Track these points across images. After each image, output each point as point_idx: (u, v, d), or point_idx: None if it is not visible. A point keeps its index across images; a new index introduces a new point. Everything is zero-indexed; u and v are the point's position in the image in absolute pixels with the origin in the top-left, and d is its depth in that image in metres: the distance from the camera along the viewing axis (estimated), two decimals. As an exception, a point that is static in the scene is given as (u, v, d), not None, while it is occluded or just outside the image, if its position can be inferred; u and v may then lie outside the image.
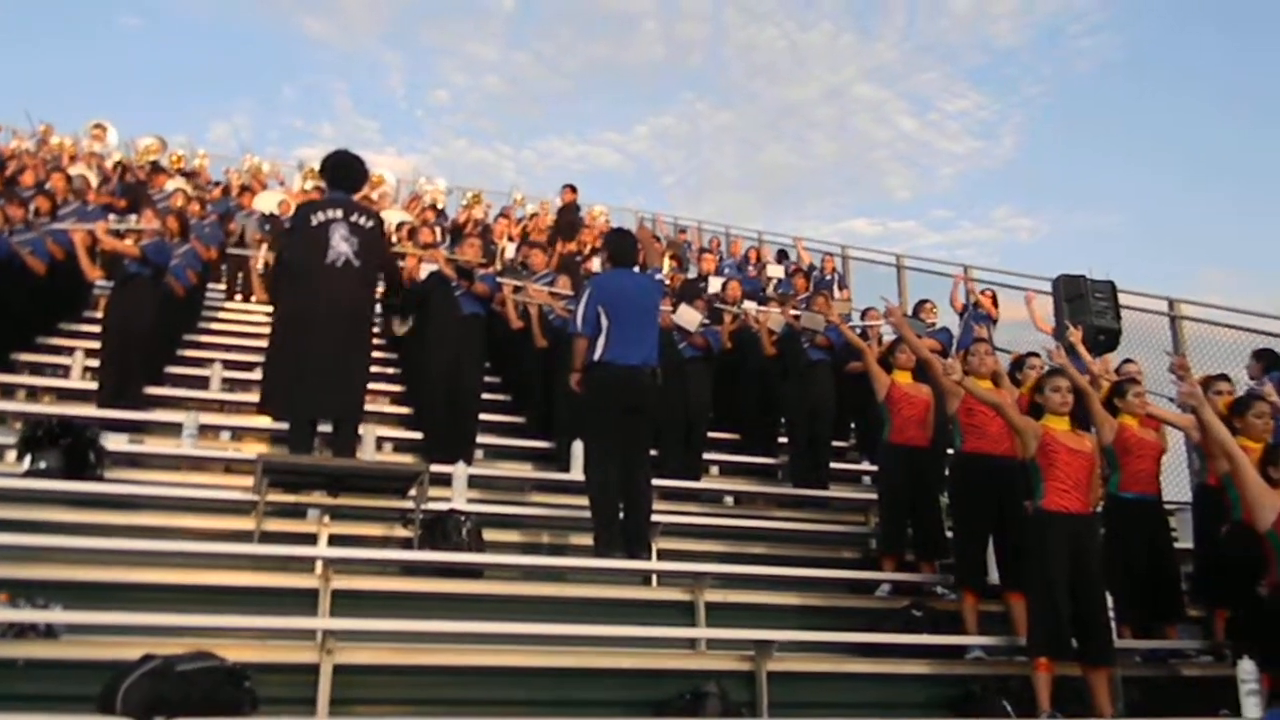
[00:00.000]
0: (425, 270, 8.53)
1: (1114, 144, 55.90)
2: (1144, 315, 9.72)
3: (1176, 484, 8.35)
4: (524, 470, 8.34)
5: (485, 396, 8.69)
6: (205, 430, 7.75)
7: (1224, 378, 7.02)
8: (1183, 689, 5.84)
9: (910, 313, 9.81)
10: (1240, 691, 5.08)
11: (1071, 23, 52.70)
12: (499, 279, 8.90)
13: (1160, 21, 52.76)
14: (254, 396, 8.89)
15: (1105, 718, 5.14)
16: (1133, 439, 6.22)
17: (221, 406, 8.84)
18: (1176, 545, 6.62)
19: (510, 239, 13.37)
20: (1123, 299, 8.99)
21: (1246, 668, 5.09)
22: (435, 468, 6.39)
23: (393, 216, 13.04)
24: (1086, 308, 8.40)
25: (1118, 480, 6.18)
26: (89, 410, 7.71)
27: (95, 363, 8.55)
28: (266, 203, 13.87)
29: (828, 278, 14.10)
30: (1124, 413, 6.31)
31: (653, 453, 6.93)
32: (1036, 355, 7.47)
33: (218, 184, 16.20)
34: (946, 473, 6.83)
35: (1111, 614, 5.49)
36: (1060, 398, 5.66)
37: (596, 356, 6.17)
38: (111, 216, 9.82)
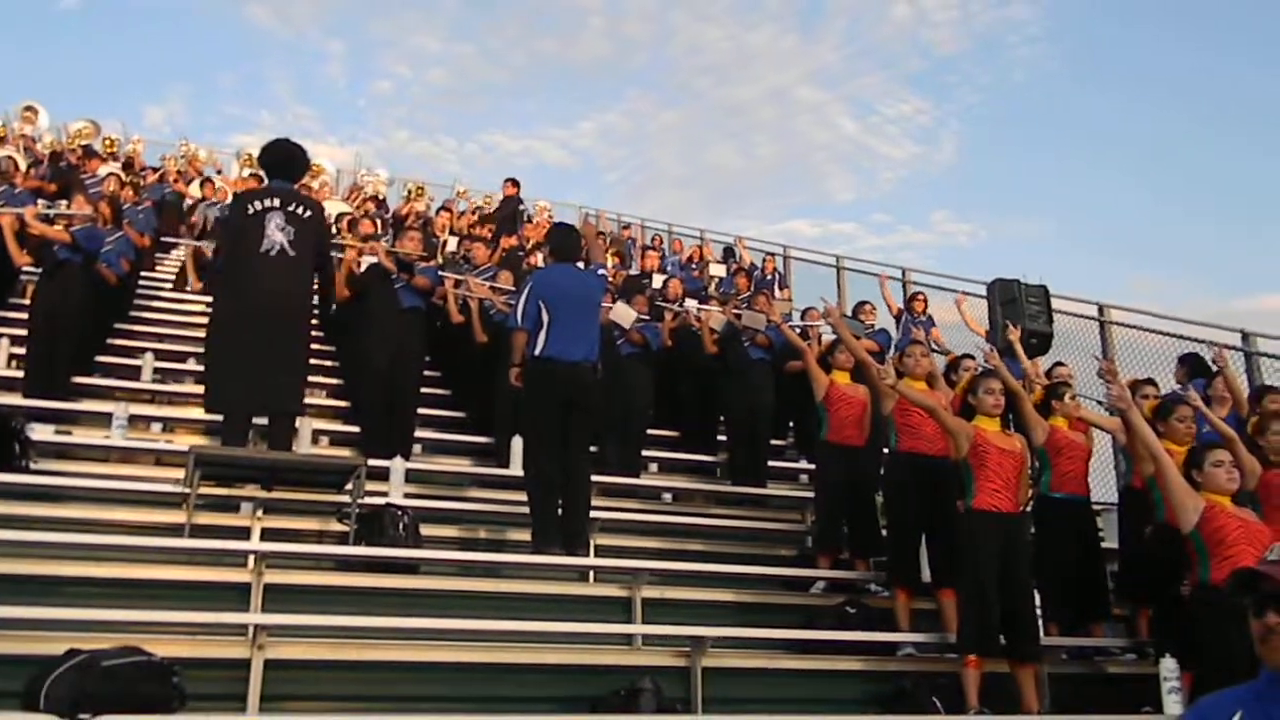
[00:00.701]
0: (365, 262, 8.44)
1: (1049, 152, 57.10)
2: (1075, 319, 9.93)
3: (1103, 485, 8.53)
4: (463, 465, 8.29)
5: (424, 391, 8.64)
6: (136, 421, 7.58)
7: (1150, 382, 7.20)
8: (1107, 686, 5.97)
9: (850, 314, 9.92)
10: (1162, 689, 5.20)
11: (1009, 33, 53.76)
12: (440, 273, 8.84)
13: (1096, 33, 53.93)
14: (187, 388, 8.76)
15: (1032, 714, 5.24)
16: (1064, 440, 6.35)
17: (153, 397, 8.66)
18: (1103, 545, 6.76)
19: (452, 232, 13.28)
20: (1055, 303, 9.18)
21: (1169, 665, 5.21)
22: (373, 462, 6.35)
23: (333, 207, 12.89)
24: (1020, 311, 8.57)
25: (1048, 481, 6.30)
26: (15, 399, 7.53)
27: (22, 351, 8.34)
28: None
29: (768, 277, 14.20)
30: (1057, 415, 6.43)
31: (592, 449, 6.93)
32: (971, 357, 7.59)
33: (154, 170, 15.87)
34: (881, 472, 6.91)
35: (1039, 612, 5.60)
36: (993, 400, 5.75)
37: (537, 351, 6.14)
38: (41, 201, 9.59)
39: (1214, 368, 6.98)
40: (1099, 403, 8.56)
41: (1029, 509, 6.08)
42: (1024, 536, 5.64)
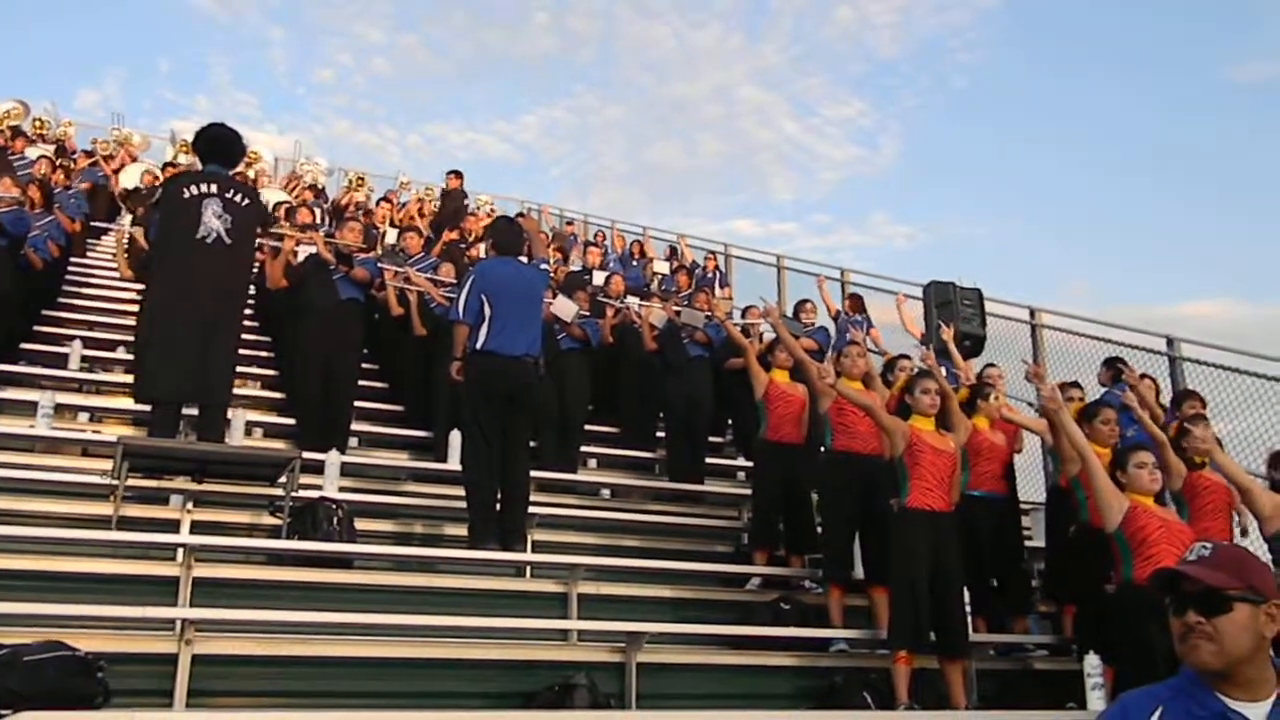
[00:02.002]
0: (303, 253, 8.32)
1: (987, 156, 58.03)
2: (1007, 322, 10.10)
3: (1032, 485, 8.70)
4: (400, 459, 8.24)
5: (362, 383, 8.57)
6: (62, 410, 7.41)
7: (1075, 384, 7.35)
8: (1033, 682, 6.08)
9: (790, 313, 9.99)
10: (1086, 685, 5.31)
11: (950, 37, 54.48)
12: (379, 264, 8.75)
13: (1028, 43, 54.92)
14: (116, 377, 8.56)
15: (960, 709, 5.32)
16: (984, 442, 6.46)
17: (80, 386, 8.46)
18: (1030, 544, 6.89)
19: (392, 224, 13.13)
20: (988, 306, 9.32)
21: (1092, 662, 5.32)
22: (308, 455, 6.26)
23: (270, 195, 12.65)
24: (954, 314, 8.69)
25: (967, 479, 6.34)
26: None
27: (-57, 336, 8.11)
28: (130, 177, 13.27)
29: (709, 275, 14.25)
30: (980, 414, 6.54)
31: (532, 444, 6.90)
32: (907, 358, 7.68)
33: (86, 153, 15.48)
34: (817, 470, 6.97)
35: (968, 609, 5.69)
36: (929, 399, 5.82)
37: (478, 345, 6.12)
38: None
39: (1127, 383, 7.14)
40: (1030, 404, 8.73)
41: (959, 507, 6.19)
42: (954, 534, 5.72)
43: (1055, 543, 6.55)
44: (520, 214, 17.25)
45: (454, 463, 7.24)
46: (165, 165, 13.44)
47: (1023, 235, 54.51)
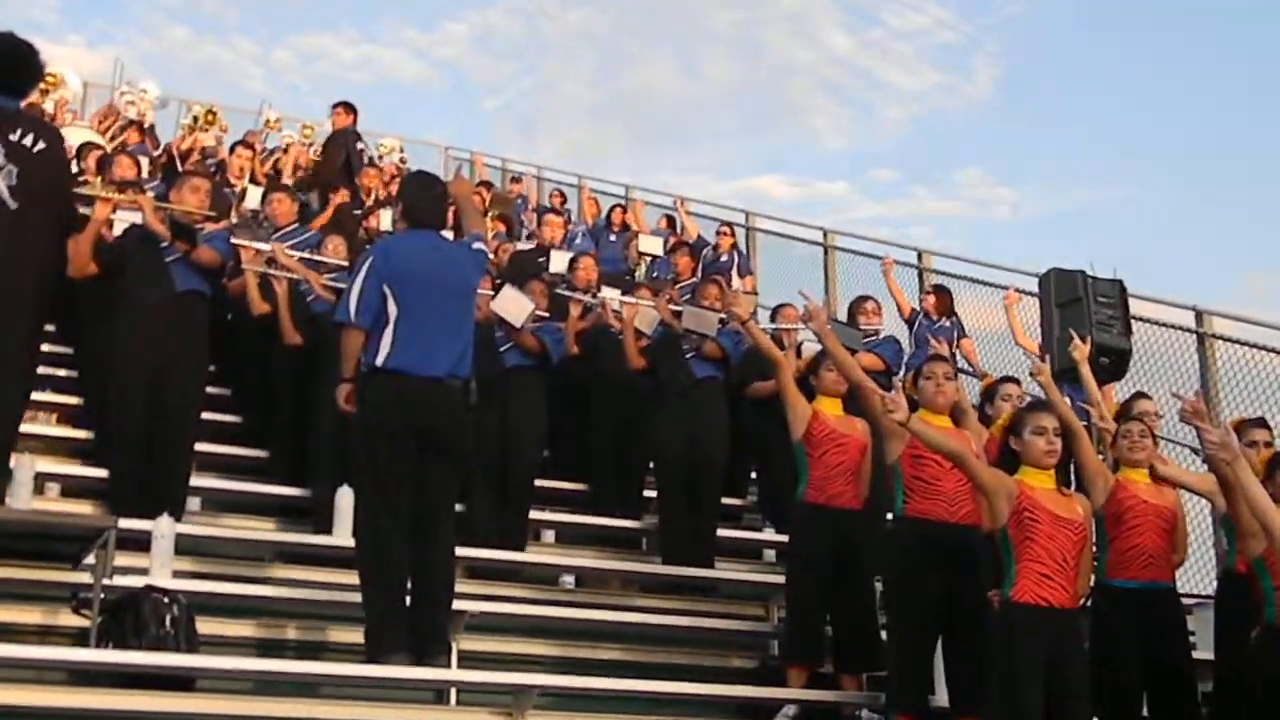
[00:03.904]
0: (122, 223, 8.32)
1: (1125, 89, 57.72)
2: (1162, 330, 10.15)
3: (1195, 569, 8.70)
4: (263, 530, 8.28)
5: (208, 416, 8.59)
6: None
7: (1261, 423, 7.31)
8: None
9: (844, 316, 10.00)
10: None
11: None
12: (234, 239, 8.74)
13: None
14: None
15: None
16: (1135, 503, 6.41)
17: None
18: (1196, 654, 6.90)
19: (255, 180, 13.16)
20: (1136, 307, 9.36)
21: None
22: (126, 523, 6.26)
23: (75, 136, 12.66)
24: (1085, 317, 8.69)
25: (1106, 561, 6.40)
26: None
27: None
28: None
29: (723, 258, 14.29)
30: (1124, 466, 6.58)
31: (459, 508, 6.94)
32: (1016, 381, 7.72)
33: None
34: (883, 547, 7.03)
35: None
36: (1046, 444, 5.81)
37: (379, 361, 6.12)
38: None
39: None
40: (1194, 451, 8.75)
41: (1088, 602, 6.25)
42: (1082, 645, 5.76)
43: (1229, 652, 6.59)
44: (455, 172, 17.28)
45: (343, 534, 7.26)
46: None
47: (1182, 204, 54.49)
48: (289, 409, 8.73)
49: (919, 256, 12.81)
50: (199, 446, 8.24)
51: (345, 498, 7.37)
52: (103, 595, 5.89)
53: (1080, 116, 57.29)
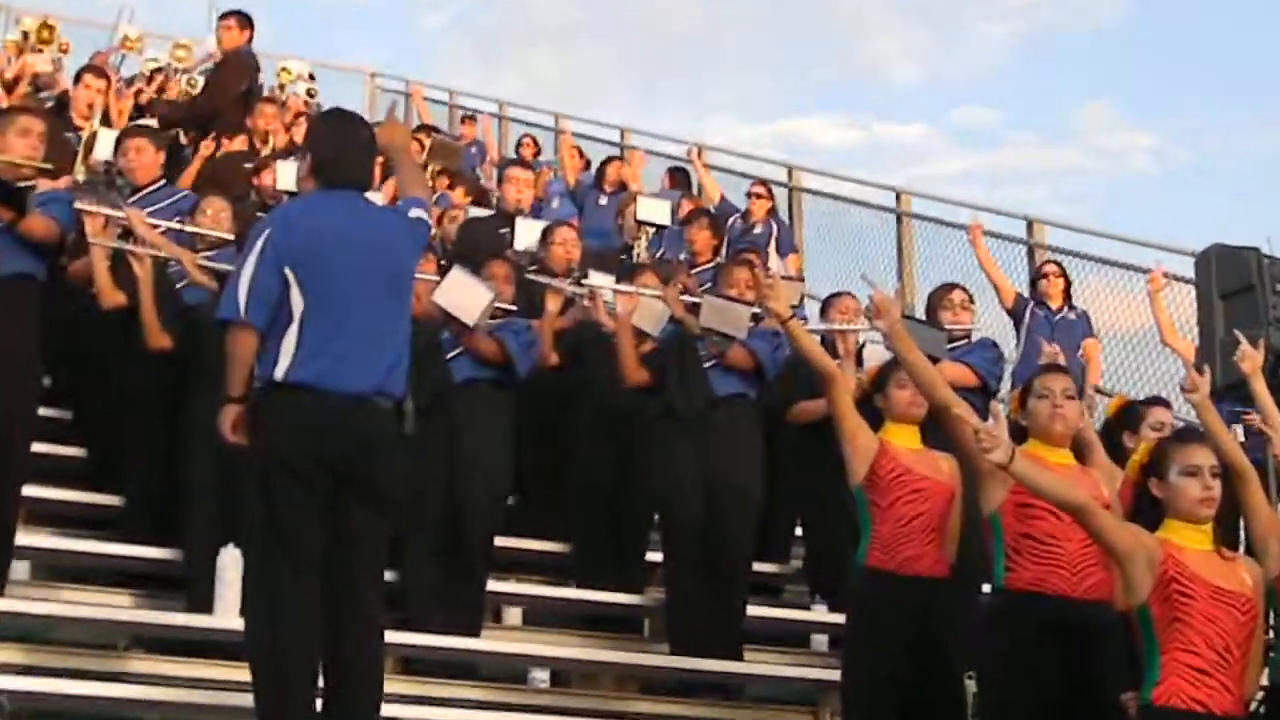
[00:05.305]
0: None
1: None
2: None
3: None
4: (116, 605, 8.26)
5: (39, 448, 8.60)
6: None
7: None
8: None
9: (922, 311, 9.94)
10: None
11: None
12: (78, 204, 8.65)
13: None
14: None
15: None
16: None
17: None
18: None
19: (107, 121, 13.13)
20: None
21: None
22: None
23: None
24: (1260, 310, 8.60)
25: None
26: None
27: None
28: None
29: (756, 230, 14.39)
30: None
31: (389, 576, 6.85)
32: (1164, 404, 7.62)
33: None
34: (978, 631, 6.90)
35: None
36: (1201, 489, 5.72)
37: (279, 374, 6.06)
38: None
39: None
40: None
41: (1260, 708, 6.11)
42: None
43: None
44: (388, 111, 17.27)
45: (227, 613, 7.27)
46: None
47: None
48: (153, 439, 8.68)
49: (1028, 227, 12.74)
50: (26, 490, 8.18)
51: (231, 562, 7.42)
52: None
53: (1239, 37, 57.59)
